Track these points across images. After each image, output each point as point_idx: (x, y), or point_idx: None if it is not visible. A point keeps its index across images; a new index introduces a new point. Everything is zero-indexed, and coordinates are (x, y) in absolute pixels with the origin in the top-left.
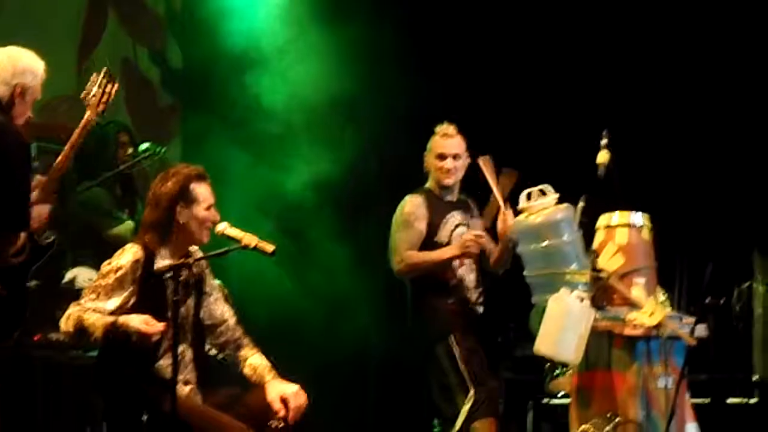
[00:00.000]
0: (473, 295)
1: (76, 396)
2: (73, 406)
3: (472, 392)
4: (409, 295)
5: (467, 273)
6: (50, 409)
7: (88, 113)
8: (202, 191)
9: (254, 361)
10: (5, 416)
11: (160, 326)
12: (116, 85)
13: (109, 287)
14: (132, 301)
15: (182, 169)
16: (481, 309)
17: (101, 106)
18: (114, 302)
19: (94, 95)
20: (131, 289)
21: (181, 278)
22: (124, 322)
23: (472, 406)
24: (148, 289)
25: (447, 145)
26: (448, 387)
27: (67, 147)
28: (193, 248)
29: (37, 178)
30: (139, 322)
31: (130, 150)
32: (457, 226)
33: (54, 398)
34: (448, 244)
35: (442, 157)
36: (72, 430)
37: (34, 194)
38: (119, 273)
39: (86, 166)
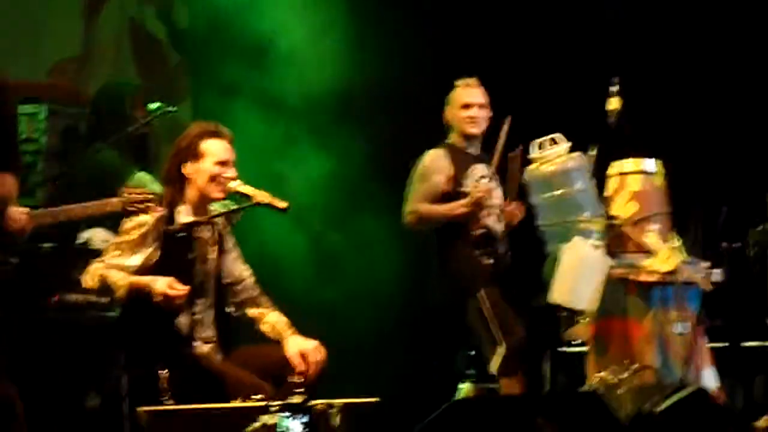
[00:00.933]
0: (501, 247)
1: (93, 357)
2: (91, 367)
3: (502, 348)
4: (436, 247)
5: (494, 223)
6: (68, 371)
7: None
8: (211, 146)
9: (272, 319)
10: (23, 379)
11: (184, 290)
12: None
13: (132, 243)
14: (155, 258)
15: (199, 124)
16: (508, 260)
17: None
18: (137, 258)
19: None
20: (155, 245)
21: (197, 236)
22: (148, 283)
23: (501, 363)
24: (171, 246)
25: (472, 94)
26: (478, 345)
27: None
28: (213, 206)
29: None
30: (163, 285)
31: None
32: (481, 177)
33: (71, 360)
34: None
35: (467, 106)
36: (91, 390)
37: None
38: (143, 229)
39: (99, 127)
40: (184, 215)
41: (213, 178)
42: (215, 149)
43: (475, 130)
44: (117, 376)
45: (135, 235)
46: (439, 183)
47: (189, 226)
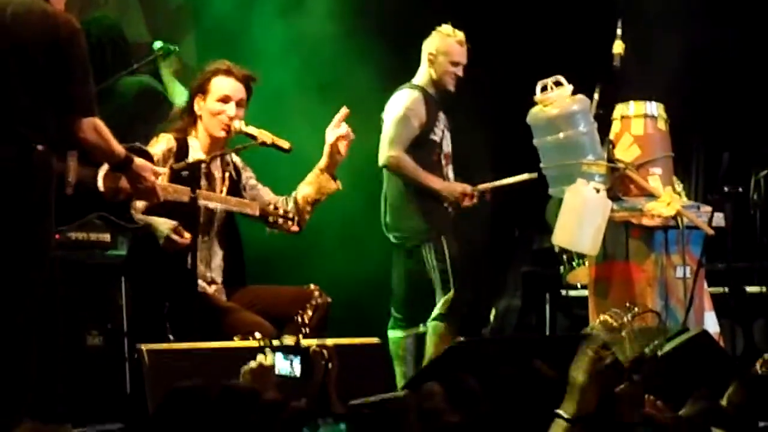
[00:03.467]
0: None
1: (96, 294)
2: (94, 305)
3: (451, 293)
4: (397, 192)
5: (452, 172)
6: (70, 308)
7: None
8: (219, 83)
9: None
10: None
11: (186, 238)
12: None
13: None
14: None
15: (216, 63)
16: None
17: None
18: None
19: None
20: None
21: (206, 174)
22: (154, 223)
23: (447, 307)
24: (180, 181)
25: (463, 53)
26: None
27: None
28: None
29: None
30: (168, 228)
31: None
32: (446, 127)
33: (74, 297)
34: (440, 144)
35: (456, 64)
36: (92, 328)
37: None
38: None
39: (104, 67)
40: (194, 151)
41: (214, 115)
42: (221, 86)
43: (453, 87)
44: (118, 314)
45: None
46: (416, 128)
47: (192, 165)
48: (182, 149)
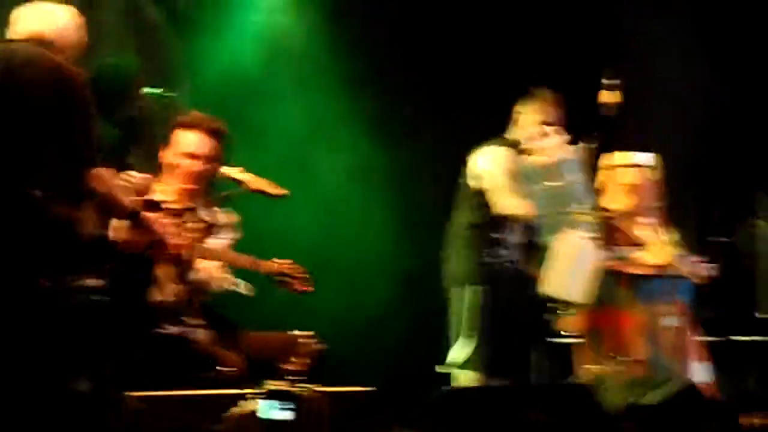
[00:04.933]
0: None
1: (83, 341)
2: (81, 351)
3: (472, 347)
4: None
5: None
6: (57, 354)
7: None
8: (184, 137)
9: None
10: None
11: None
12: None
13: None
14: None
15: (179, 117)
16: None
17: None
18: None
19: None
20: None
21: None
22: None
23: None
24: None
25: (555, 114)
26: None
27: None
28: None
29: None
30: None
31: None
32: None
33: (61, 343)
34: None
35: (549, 125)
36: (79, 375)
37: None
38: None
39: (100, 106)
40: (159, 195)
41: (174, 169)
42: (187, 141)
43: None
44: (106, 360)
45: None
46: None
47: (177, 212)
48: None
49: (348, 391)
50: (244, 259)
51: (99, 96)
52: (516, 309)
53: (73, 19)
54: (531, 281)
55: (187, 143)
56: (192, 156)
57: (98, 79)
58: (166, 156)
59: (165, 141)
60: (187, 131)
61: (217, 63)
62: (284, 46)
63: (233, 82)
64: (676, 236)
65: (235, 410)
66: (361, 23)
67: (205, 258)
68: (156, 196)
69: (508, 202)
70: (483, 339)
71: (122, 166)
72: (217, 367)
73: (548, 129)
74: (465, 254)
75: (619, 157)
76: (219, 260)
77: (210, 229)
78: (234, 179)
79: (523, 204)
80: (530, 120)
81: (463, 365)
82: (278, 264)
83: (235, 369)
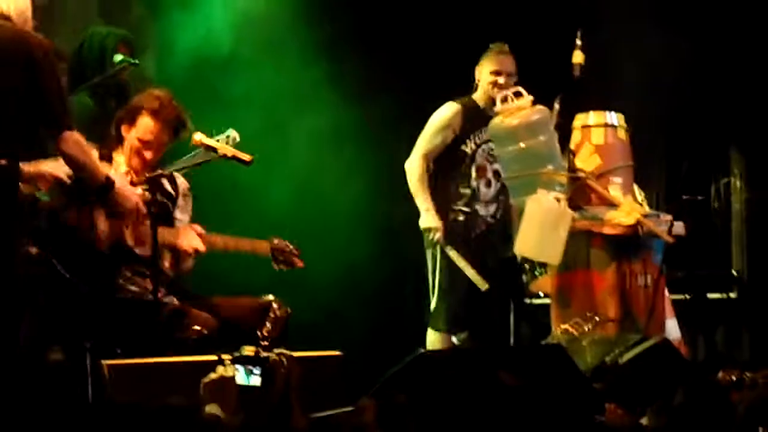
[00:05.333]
0: (482, 209)
1: (57, 310)
2: (55, 321)
3: (433, 303)
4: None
5: (483, 186)
6: (31, 324)
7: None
8: (145, 124)
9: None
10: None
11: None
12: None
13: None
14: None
15: (149, 97)
16: (489, 222)
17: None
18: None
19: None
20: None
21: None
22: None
23: (432, 315)
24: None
25: (503, 61)
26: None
27: None
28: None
29: None
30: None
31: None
32: (487, 141)
33: (35, 312)
34: (473, 156)
35: (497, 73)
36: (53, 344)
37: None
38: None
39: (82, 77)
40: (117, 167)
41: (133, 150)
42: (146, 128)
43: (498, 96)
44: (80, 329)
45: None
46: (447, 140)
47: (151, 180)
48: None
49: (315, 356)
50: (245, 243)
51: (82, 66)
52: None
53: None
54: (500, 236)
55: (151, 131)
56: (150, 145)
57: (83, 48)
58: (127, 133)
59: (129, 116)
60: (152, 119)
61: (190, 32)
62: (255, 14)
63: (205, 51)
64: (642, 196)
65: (212, 376)
66: None
67: (212, 247)
68: (119, 168)
69: (410, 159)
70: (438, 296)
71: (105, 137)
72: (193, 328)
73: (500, 79)
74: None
75: (590, 117)
76: (224, 249)
77: (176, 199)
78: (207, 146)
79: (414, 162)
80: (484, 72)
81: (429, 324)
82: (275, 243)
83: (205, 330)
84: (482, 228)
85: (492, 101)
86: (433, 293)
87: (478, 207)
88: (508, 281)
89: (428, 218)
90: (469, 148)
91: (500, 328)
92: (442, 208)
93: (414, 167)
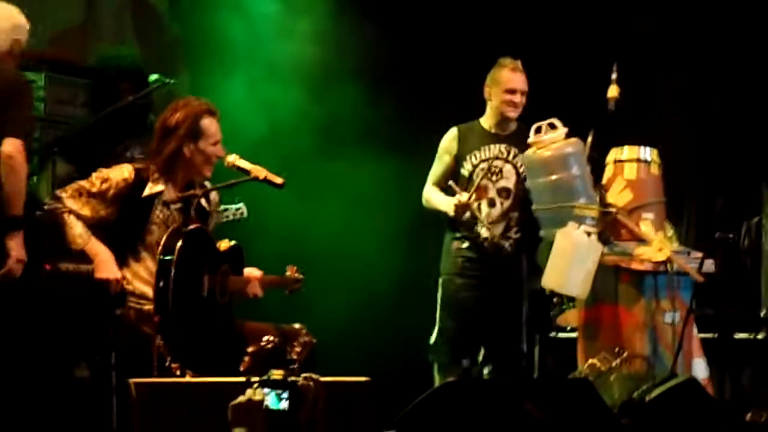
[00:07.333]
0: (487, 231)
1: (84, 326)
2: (81, 337)
3: (433, 336)
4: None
5: (486, 207)
6: (58, 340)
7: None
8: (211, 126)
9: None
10: (14, 345)
11: (114, 273)
12: None
13: (90, 193)
14: (105, 215)
15: (192, 102)
16: (505, 243)
17: None
18: (87, 210)
19: None
20: (112, 208)
21: (167, 206)
22: (96, 263)
23: (431, 348)
24: (131, 212)
25: (518, 80)
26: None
27: None
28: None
29: None
30: (105, 272)
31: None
32: (485, 160)
33: (62, 329)
34: (470, 177)
35: (512, 92)
36: (79, 361)
37: None
38: (104, 185)
39: (101, 95)
40: (150, 187)
41: (209, 157)
42: (213, 129)
43: (514, 115)
44: (107, 347)
45: (96, 186)
46: (449, 163)
47: (186, 199)
48: (138, 183)
49: (344, 381)
50: (272, 279)
51: (101, 84)
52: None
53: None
54: (516, 261)
55: (216, 131)
56: (218, 143)
57: (101, 67)
58: (194, 148)
59: (188, 132)
60: (212, 119)
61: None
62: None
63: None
64: (672, 232)
65: (240, 399)
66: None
67: (244, 289)
68: (148, 187)
69: (425, 191)
70: (437, 330)
71: (120, 158)
72: (267, 339)
73: (515, 98)
74: (443, 243)
75: (623, 151)
76: (259, 291)
77: (210, 214)
78: (240, 168)
79: (424, 191)
80: (497, 90)
81: (429, 354)
82: (297, 276)
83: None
84: (490, 251)
85: (504, 119)
86: (434, 326)
87: (482, 230)
88: (535, 313)
89: (447, 205)
90: (466, 170)
91: (518, 359)
92: (447, 241)
93: (425, 192)
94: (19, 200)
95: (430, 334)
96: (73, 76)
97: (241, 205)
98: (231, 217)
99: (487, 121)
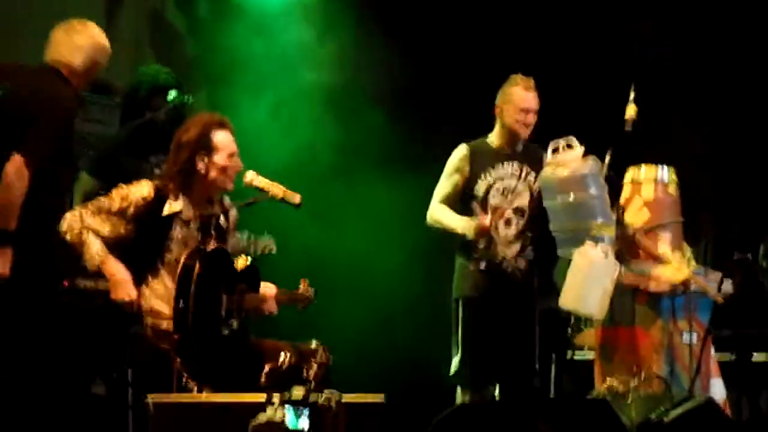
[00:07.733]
0: (503, 252)
1: (101, 344)
2: (98, 354)
3: (457, 357)
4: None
5: (502, 228)
6: (75, 356)
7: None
8: (222, 139)
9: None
10: (31, 361)
11: (129, 294)
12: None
13: (110, 211)
14: (124, 232)
15: (203, 116)
16: (520, 264)
17: None
18: (106, 228)
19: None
20: (132, 226)
21: (185, 224)
22: (112, 282)
23: (455, 373)
24: (150, 230)
25: (531, 99)
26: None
27: None
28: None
29: None
30: (121, 293)
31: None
32: (499, 179)
33: (79, 345)
34: (485, 197)
35: (526, 111)
36: (96, 377)
37: None
38: (124, 203)
39: (132, 114)
40: (170, 204)
41: (224, 170)
42: (226, 141)
43: (526, 134)
44: (123, 364)
45: (116, 203)
46: (458, 183)
47: (205, 218)
48: (157, 201)
49: (360, 401)
50: (285, 296)
51: (136, 103)
52: (502, 318)
53: (91, 40)
54: (526, 285)
55: (230, 143)
56: (234, 155)
57: (136, 85)
58: (208, 161)
59: (201, 146)
60: (225, 131)
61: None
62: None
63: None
64: (690, 251)
65: (260, 418)
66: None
67: (260, 306)
68: (168, 204)
69: (432, 209)
70: (462, 353)
71: (149, 175)
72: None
73: (529, 117)
74: (457, 263)
75: (641, 171)
76: (274, 308)
77: (229, 232)
78: (257, 187)
79: (430, 207)
80: (509, 109)
81: (452, 379)
82: (310, 291)
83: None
84: (508, 271)
85: (514, 138)
86: (457, 350)
87: (498, 250)
88: (551, 333)
89: (464, 225)
90: (480, 189)
91: (532, 378)
92: (460, 263)
93: (431, 210)
94: (8, 214)
95: (447, 353)
96: (103, 96)
97: (269, 239)
98: (259, 252)
99: (497, 139)
